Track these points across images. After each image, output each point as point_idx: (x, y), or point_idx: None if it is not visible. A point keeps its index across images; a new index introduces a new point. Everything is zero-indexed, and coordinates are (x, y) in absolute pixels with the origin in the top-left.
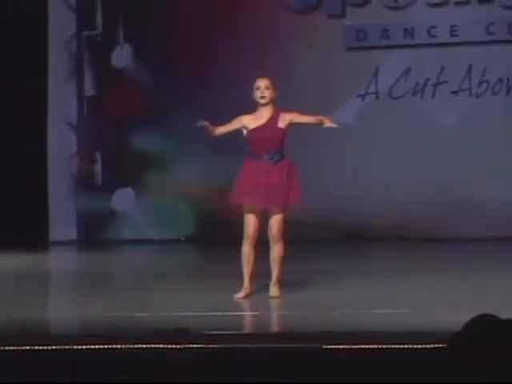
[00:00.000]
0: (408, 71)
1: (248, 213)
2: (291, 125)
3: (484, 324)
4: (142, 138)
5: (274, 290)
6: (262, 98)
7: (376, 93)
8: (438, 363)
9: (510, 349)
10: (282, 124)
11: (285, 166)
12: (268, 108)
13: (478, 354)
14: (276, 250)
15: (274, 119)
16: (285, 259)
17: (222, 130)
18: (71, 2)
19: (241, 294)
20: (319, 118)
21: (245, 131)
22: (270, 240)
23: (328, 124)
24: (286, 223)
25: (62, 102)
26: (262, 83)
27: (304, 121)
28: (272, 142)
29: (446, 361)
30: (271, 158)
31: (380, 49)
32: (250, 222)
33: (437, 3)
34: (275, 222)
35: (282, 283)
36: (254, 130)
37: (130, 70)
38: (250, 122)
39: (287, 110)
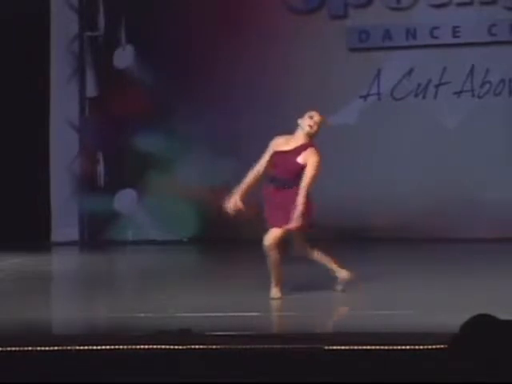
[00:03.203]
0: (410, 72)
1: None
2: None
3: (481, 324)
4: (144, 139)
5: (274, 291)
6: (310, 127)
7: (378, 94)
8: (438, 364)
9: (507, 349)
10: (301, 160)
11: (289, 192)
12: (304, 139)
13: (477, 354)
14: (268, 258)
15: (298, 151)
16: (280, 262)
17: (260, 168)
18: (73, 3)
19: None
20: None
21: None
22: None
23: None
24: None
25: (65, 103)
26: (318, 118)
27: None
28: (285, 170)
29: (445, 361)
30: (277, 182)
31: (382, 50)
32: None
33: (439, 4)
34: (269, 236)
35: (282, 284)
36: (277, 152)
37: (132, 71)
38: (279, 145)
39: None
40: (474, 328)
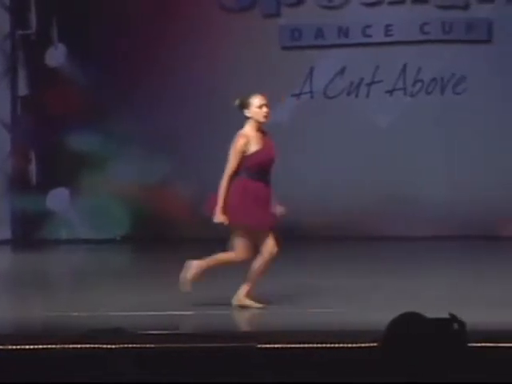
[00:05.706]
0: (343, 70)
1: None
2: None
3: (408, 323)
4: (77, 138)
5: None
6: (266, 117)
7: (311, 92)
8: (369, 362)
9: (433, 347)
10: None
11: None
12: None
13: (403, 353)
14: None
15: (270, 140)
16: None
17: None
18: (5, 1)
19: None
20: None
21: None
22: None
23: None
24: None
25: None
26: (266, 101)
27: None
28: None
29: (377, 360)
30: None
31: (315, 48)
32: None
33: (371, 3)
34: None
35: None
36: (259, 151)
37: (64, 70)
38: (253, 143)
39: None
40: (400, 327)
